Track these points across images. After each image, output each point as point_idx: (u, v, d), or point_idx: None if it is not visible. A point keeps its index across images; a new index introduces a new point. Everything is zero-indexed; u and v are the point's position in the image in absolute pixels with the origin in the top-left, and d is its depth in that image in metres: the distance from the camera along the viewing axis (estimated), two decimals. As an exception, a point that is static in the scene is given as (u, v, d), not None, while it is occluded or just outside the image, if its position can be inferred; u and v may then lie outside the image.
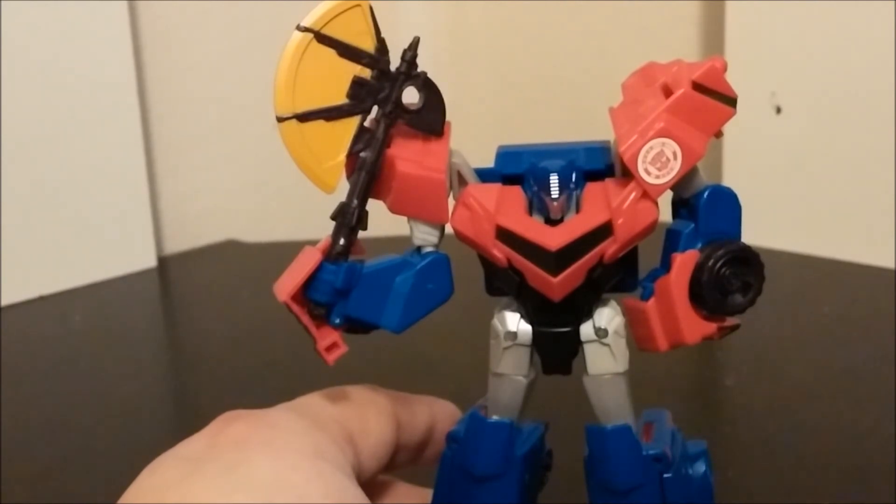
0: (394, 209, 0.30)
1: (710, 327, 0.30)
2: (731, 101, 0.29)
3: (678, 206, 0.31)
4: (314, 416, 0.30)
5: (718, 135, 0.30)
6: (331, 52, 0.29)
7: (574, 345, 0.31)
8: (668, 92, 0.29)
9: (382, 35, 0.29)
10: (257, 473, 0.26)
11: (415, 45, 0.30)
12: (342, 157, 0.29)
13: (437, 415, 0.34)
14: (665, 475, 0.31)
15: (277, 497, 0.26)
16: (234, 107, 1.02)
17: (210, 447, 0.27)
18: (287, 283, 0.29)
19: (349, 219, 0.29)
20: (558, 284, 0.29)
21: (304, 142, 0.29)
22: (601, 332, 0.30)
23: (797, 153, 0.88)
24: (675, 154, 0.29)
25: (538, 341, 0.31)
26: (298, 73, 0.28)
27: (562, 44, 1.06)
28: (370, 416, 0.31)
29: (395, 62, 0.30)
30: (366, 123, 0.30)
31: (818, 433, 0.54)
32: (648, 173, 0.29)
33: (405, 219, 0.31)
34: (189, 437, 0.28)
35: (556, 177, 0.30)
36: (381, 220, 0.32)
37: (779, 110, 0.88)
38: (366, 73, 0.29)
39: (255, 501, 0.25)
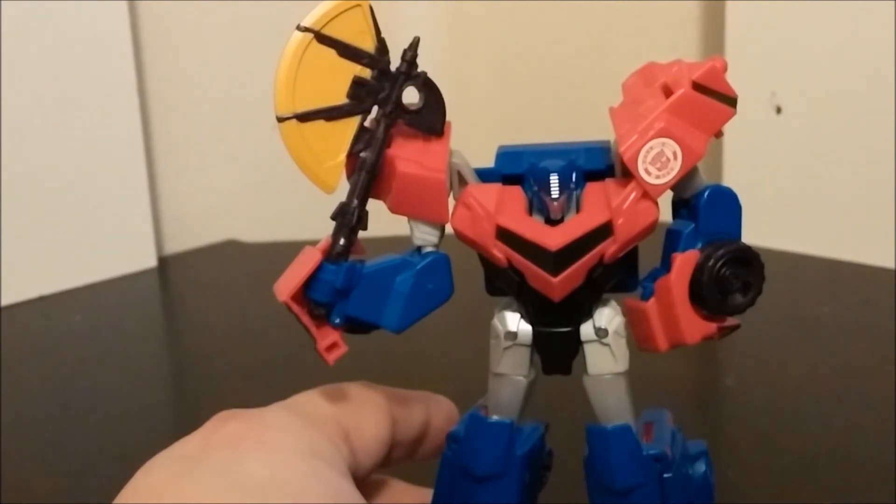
0: (394, 209, 0.30)
1: (710, 327, 0.30)
2: (731, 101, 0.29)
3: (678, 206, 0.31)
4: (309, 414, 0.30)
5: (718, 135, 0.30)
6: (331, 52, 0.29)
7: (574, 345, 0.31)
8: (668, 92, 0.29)
9: (382, 35, 0.29)
10: (252, 473, 0.26)
11: (415, 45, 0.30)
12: (342, 157, 0.29)
13: (432, 411, 0.34)
14: (665, 475, 0.31)
15: (272, 496, 0.26)
16: (234, 107, 1.02)
17: (204, 447, 0.27)
18: (287, 283, 0.29)
19: (349, 219, 0.29)
20: (558, 284, 0.29)
21: (304, 142, 0.29)
22: (601, 332, 0.31)
23: (797, 153, 0.88)
24: (675, 154, 0.29)
25: (538, 341, 0.31)
26: (298, 73, 0.28)
27: (562, 44, 1.06)
28: (365, 414, 0.31)
29: (395, 62, 0.30)
30: (366, 123, 0.30)
31: (818, 433, 0.54)
32: (648, 173, 0.29)
33: (405, 219, 0.31)
34: (184, 437, 0.28)
35: (557, 177, 0.30)
36: (381, 220, 0.32)
37: (779, 110, 0.88)
38: (366, 73, 0.29)
39: (250, 501, 0.25)
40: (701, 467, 0.32)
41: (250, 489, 0.26)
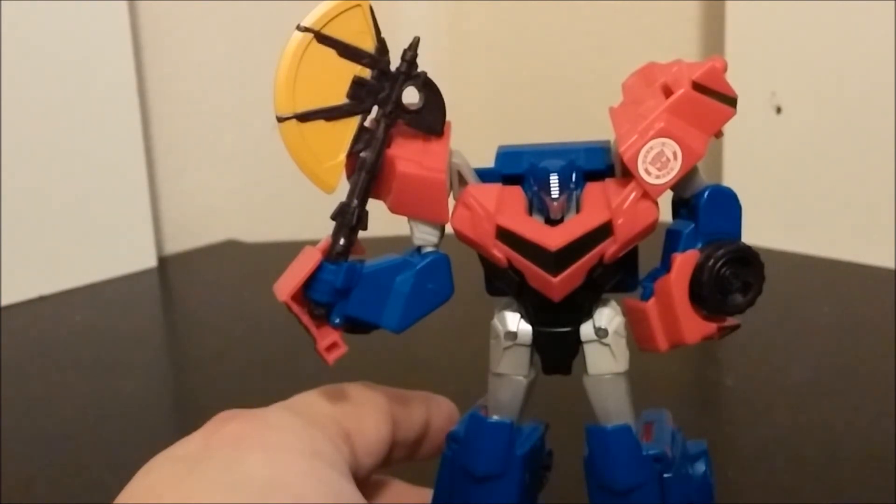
0: (394, 209, 0.30)
1: (710, 327, 0.30)
2: (731, 101, 0.29)
3: (678, 205, 0.31)
4: (310, 414, 0.30)
5: (718, 135, 0.30)
6: (331, 52, 0.29)
7: (574, 345, 0.31)
8: (668, 92, 0.29)
9: (382, 35, 0.29)
10: (253, 473, 0.26)
11: (415, 45, 0.30)
12: (342, 157, 0.29)
13: (432, 411, 0.34)
14: (665, 475, 0.31)
15: (273, 496, 0.26)
16: (234, 107, 1.02)
17: (206, 447, 0.27)
18: (287, 283, 0.29)
19: (349, 219, 0.29)
20: (558, 284, 0.29)
21: (304, 142, 0.29)
22: (601, 332, 0.30)
23: (797, 153, 0.88)
24: (675, 154, 0.29)
25: (538, 341, 0.31)
26: (298, 73, 0.28)
27: (562, 44, 1.06)
28: (366, 414, 0.31)
29: (395, 62, 0.30)
30: (366, 123, 0.30)
31: (818, 433, 0.54)
32: (648, 173, 0.29)
33: (405, 219, 0.31)
34: (185, 438, 0.28)
35: (556, 177, 0.30)
36: (381, 220, 0.32)
37: (779, 110, 0.88)
38: (366, 73, 0.29)
39: (251, 501, 0.25)
40: (701, 467, 0.32)
41: (251, 489, 0.26)
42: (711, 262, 0.29)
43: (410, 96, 0.30)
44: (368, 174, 0.29)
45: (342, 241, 0.29)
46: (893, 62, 0.80)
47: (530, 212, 0.30)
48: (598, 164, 0.31)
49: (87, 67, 0.88)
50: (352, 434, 0.30)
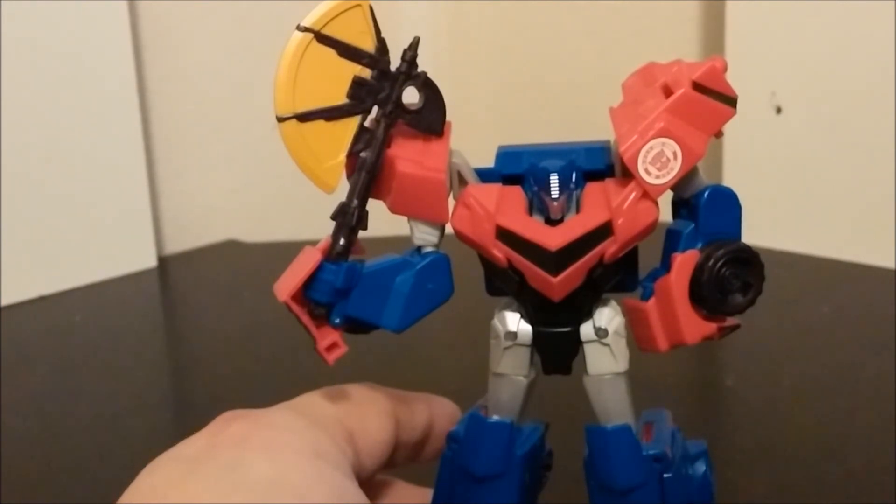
0: (394, 209, 0.30)
1: (710, 327, 0.30)
2: (731, 101, 0.29)
3: (678, 206, 0.31)
4: (314, 415, 0.30)
5: (718, 135, 0.30)
6: (331, 52, 0.29)
7: (574, 345, 0.31)
8: (668, 92, 0.29)
9: (382, 35, 0.29)
10: (256, 473, 0.26)
11: (415, 45, 0.30)
12: (342, 157, 0.29)
13: (435, 412, 0.34)
14: (665, 475, 0.31)
15: (276, 497, 0.26)
16: (234, 107, 1.02)
17: (209, 447, 0.27)
18: (287, 283, 0.29)
19: (349, 219, 0.29)
20: (558, 284, 0.29)
21: (304, 142, 0.29)
22: (601, 332, 0.30)
23: (797, 153, 0.88)
24: (675, 154, 0.29)
25: (538, 341, 0.31)
26: (298, 73, 0.28)
27: (562, 44, 1.06)
28: (370, 415, 0.31)
29: (395, 62, 0.30)
30: (366, 123, 0.30)
31: (818, 433, 0.54)
32: (648, 173, 0.29)
33: (405, 219, 0.31)
34: (188, 438, 0.28)
35: (556, 177, 0.30)
36: (381, 220, 0.32)
37: (779, 110, 0.88)
38: (366, 73, 0.29)
39: (255, 501, 0.25)
40: (701, 467, 0.32)
41: (255, 489, 0.26)
42: (711, 262, 0.29)
43: (410, 96, 0.30)
44: (368, 174, 0.29)
45: (342, 241, 0.29)
46: (893, 62, 0.80)
47: (530, 212, 0.30)
48: (598, 164, 0.31)
49: (87, 67, 0.88)
50: (355, 435, 0.30)
